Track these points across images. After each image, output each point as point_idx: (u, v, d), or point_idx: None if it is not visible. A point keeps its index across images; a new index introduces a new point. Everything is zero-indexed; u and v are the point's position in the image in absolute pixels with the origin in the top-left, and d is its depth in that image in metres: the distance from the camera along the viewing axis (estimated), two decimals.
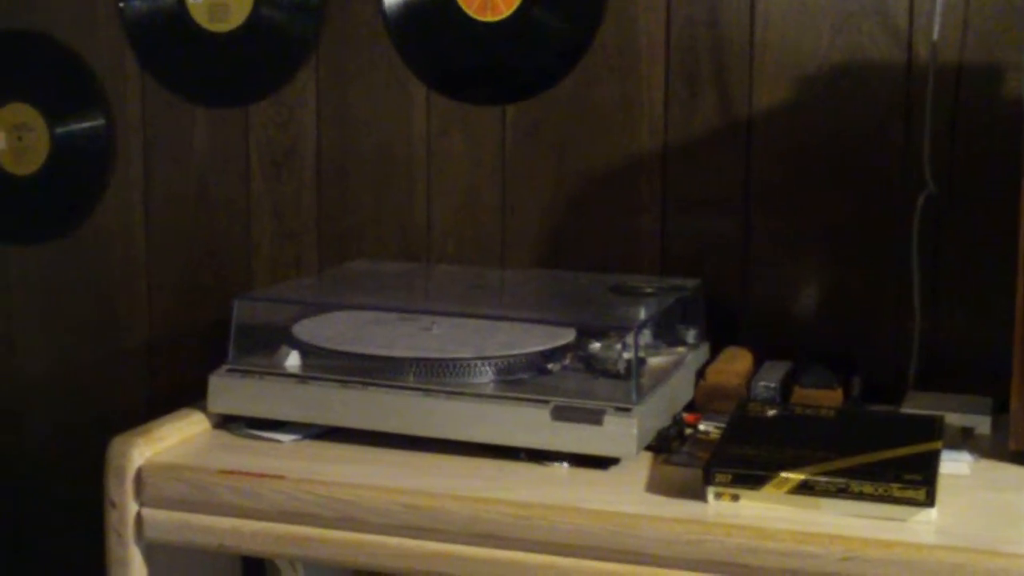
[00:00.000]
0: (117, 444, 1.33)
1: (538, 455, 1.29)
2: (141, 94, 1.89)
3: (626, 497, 1.21)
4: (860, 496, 1.15)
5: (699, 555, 1.13)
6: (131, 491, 1.31)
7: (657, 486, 1.24)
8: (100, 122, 1.92)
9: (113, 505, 1.32)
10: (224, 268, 1.87)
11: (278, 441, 1.38)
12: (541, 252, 1.72)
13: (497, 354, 1.36)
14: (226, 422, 1.42)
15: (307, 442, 1.38)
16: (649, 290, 1.51)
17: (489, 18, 1.71)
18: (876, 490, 1.14)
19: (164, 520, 1.31)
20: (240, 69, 1.84)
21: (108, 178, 1.92)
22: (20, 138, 1.97)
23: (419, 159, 1.77)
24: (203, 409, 1.43)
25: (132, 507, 1.32)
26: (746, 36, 1.61)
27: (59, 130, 1.95)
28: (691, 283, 1.57)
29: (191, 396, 1.46)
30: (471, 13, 1.72)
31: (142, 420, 1.40)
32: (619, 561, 1.16)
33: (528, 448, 1.29)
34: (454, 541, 1.21)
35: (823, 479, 1.16)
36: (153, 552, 1.34)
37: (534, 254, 1.72)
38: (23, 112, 1.96)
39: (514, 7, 1.70)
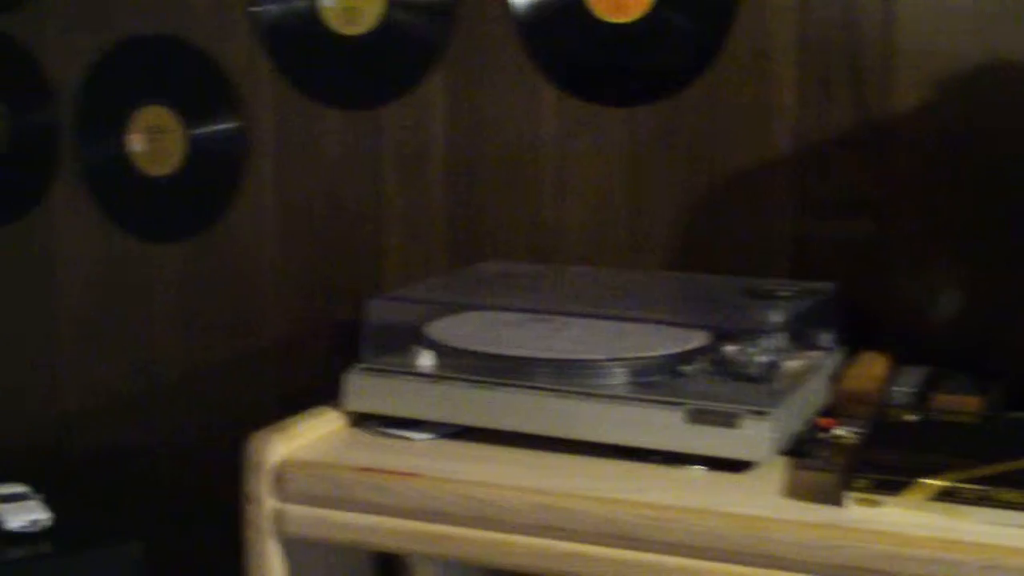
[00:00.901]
0: (256, 440, 1.35)
1: (672, 458, 1.29)
2: (274, 97, 1.92)
3: (761, 501, 1.20)
4: (1003, 504, 1.13)
5: (836, 560, 1.12)
6: (269, 487, 1.33)
7: (793, 491, 1.22)
8: (234, 124, 1.96)
9: (251, 500, 1.34)
10: (353, 268, 1.90)
11: (412, 440, 1.39)
12: (671, 255, 1.72)
13: (630, 356, 1.35)
14: (359, 420, 1.44)
15: (440, 441, 1.39)
16: (784, 293, 1.50)
17: (619, 19, 1.71)
18: (1020, 498, 1.12)
19: (302, 516, 1.32)
20: (372, 72, 1.86)
21: (241, 179, 1.96)
22: (157, 140, 2.01)
23: (548, 161, 1.77)
24: (337, 407, 1.45)
25: (270, 503, 1.34)
26: (882, 38, 1.59)
27: (194, 132, 1.99)
28: (826, 286, 1.55)
29: (321, 395, 1.48)
30: (601, 15, 1.72)
31: (273, 418, 1.42)
32: (755, 565, 1.15)
33: (662, 451, 1.29)
34: (588, 541, 1.21)
35: (965, 486, 1.14)
36: (290, 547, 1.36)
37: (664, 257, 1.72)
38: (159, 115, 2.01)
39: (644, 8, 1.70)
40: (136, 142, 2.02)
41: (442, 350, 1.42)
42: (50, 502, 1.57)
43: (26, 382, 2.14)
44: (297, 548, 1.37)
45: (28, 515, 1.53)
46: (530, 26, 1.76)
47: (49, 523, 1.53)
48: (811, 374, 1.41)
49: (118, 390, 2.07)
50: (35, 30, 2.07)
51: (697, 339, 1.40)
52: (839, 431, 1.37)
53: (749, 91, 1.66)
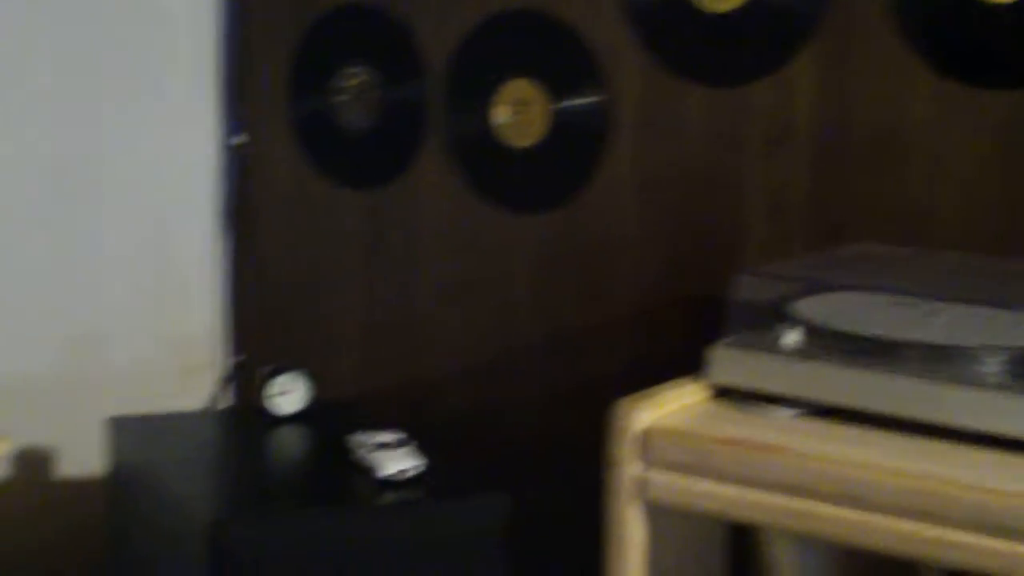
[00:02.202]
0: (622, 407, 1.39)
1: None
2: (638, 72, 1.95)
3: None
4: None
5: None
6: (634, 453, 1.37)
7: None
8: (597, 99, 2.00)
9: (614, 465, 1.38)
10: (710, 246, 1.91)
11: (775, 416, 1.40)
12: None
13: (1008, 344, 1.32)
14: (721, 394, 1.46)
15: (805, 419, 1.39)
16: None
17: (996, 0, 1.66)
18: None
19: (665, 483, 1.35)
20: (739, 49, 1.87)
21: (603, 153, 2.00)
22: (521, 112, 2.08)
23: (919, 143, 1.74)
24: (699, 380, 1.47)
25: (633, 468, 1.37)
26: None
27: (558, 105, 2.04)
28: None
29: (675, 368, 1.50)
30: None
31: (627, 388, 1.45)
32: None
33: None
34: (957, 528, 1.19)
35: None
36: (650, 513, 1.39)
37: None
38: (525, 88, 2.07)
39: None
40: (501, 115, 2.10)
41: (809, 329, 1.42)
42: (422, 451, 1.65)
43: (393, 338, 2.25)
44: (656, 514, 1.40)
45: (402, 463, 1.62)
46: (906, 5, 1.73)
47: (421, 471, 1.62)
48: None
49: (476, 352, 2.15)
50: (410, 6, 2.17)
51: None
52: None
53: None
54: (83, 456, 2.06)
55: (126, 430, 1.85)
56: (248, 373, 2.36)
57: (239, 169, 2.40)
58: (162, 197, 2.32)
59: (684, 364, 1.49)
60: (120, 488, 1.83)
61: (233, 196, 2.39)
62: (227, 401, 2.39)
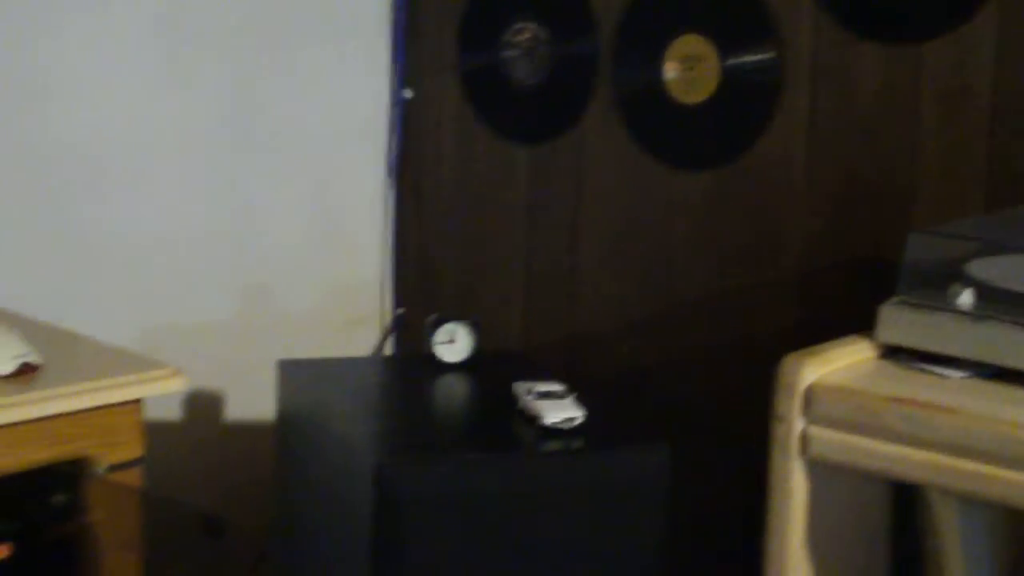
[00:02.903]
0: (789, 362, 1.38)
1: None
2: (812, 29, 1.93)
3: None
4: None
5: None
6: (799, 408, 1.37)
7: None
8: (769, 55, 1.98)
9: (780, 420, 1.38)
10: (881, 203, 1.88)
11: (946, 376, 1.38)
12: None
13: None
14: (890, 353, 1.44)
15: (976, 380, 1.37)
16: None
17: None
18: None
19: (830, 439, 1.35)
20: (918, 6, 1.83)
21: (774, 110, 1.98)
22: (691, 68, 2.07)
23: None
24: (868, 338, 1.45)
25: (799, 424, 1.37)
26: None
27: (729, 62, 2.03)
28: None
29: (841, 326, 1.49)
30: None
31: (792, 345, 1.44)
32: None
33: None
34: None
35: None
36: (813, 469, 1.39)
37: None
38: (696, 44, 2.06)
39: None
40: (671, 70, 2.09)
41: (983, 290, 1.40)
42: (584, 402, 1.66)
43: (556, 292, 2.27)
44: (820, 470, 1.39)
45: (564, 412, 1.63)
46: None
47: (582, 421, 1.63)
48: None
49: (639, 306, 2.16)
50: None
51: None
52: None
53: None
54: (254, 398, 2.12)
55: (295, 373, 1.90)
56: (411, 325, 2.40)
57: (408, 123, 2.43)
58: (333, 150, 2.36)
59: (851, 323, 1.48)
60: (288, 429, 1.88)
61: (401, 150, 2.43)
62: (390, 352, 2.44)
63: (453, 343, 1.91)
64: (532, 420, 1.65)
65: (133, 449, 1.48)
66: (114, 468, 1.45)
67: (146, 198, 2.11)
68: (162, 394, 1.48)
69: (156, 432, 1.56)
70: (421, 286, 2.45)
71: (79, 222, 2.04)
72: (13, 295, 1.75)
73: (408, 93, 2.42)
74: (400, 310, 2.45)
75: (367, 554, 1.55)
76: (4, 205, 1.95)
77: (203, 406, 2.21)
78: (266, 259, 2.28)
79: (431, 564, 1.55)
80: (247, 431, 2.23)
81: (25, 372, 1.45)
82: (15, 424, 1.39)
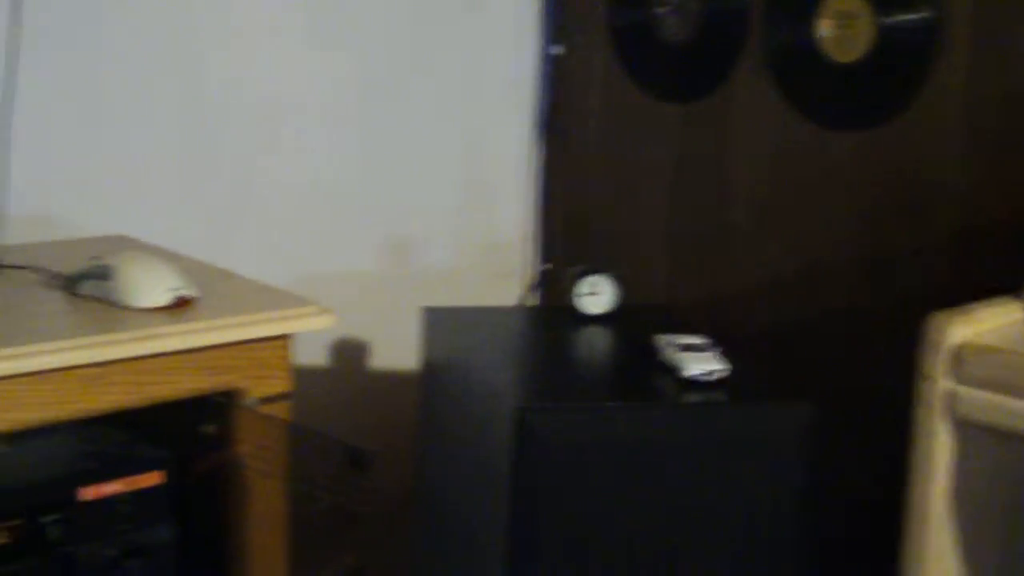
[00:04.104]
0: (936, 321, 1.37)
1: None
2: None
3: None
4: None
5: None
6: (946, 368, 1.35)
7: None
8: (927, 15, 1.94)
9: (926, 379, 1.37)
10: None
11: None
12: None
13: None
14: None
15: None
16: None
17: None
18: None
19: (977, 399, 1.33)
20: None
21: (929, 71, 1.94)
22: (845, 26, 2.04)
23: None
24: (1019, 299, 1.43)
25: (945, 383, 1.35)
26: None
27: (885, 20, 1.99)
28: None
29: (990, 287, 1.47)
30: None
31: (941, 305, 1.42)
32: None
33: None
34: None
35: None
36: (959, 429, 1.37)
37: None
38: (851, 1, 2.02)
39: None
40: (824, 28, 2.06)
41: None
42: (726, 356, 1.66)
43: (701, 248, 2.26)
44: (966, 431, 1.38)
45: (705, 365, 1.63)
46: None
47: (725, 374, 1.62)
48: None
49: (785, 265, 2.14)
50: None
51: None
52: None
53: None
54: (398, 346, 2.16)
55: (440, 321, 1.92)
56: (555, 281, 2.41)
57: (556, 80, 2.44)
58: (481, 107, 2.38)
59: (1003, 285, 1.45)
60: (432, 373, 1.91)
61: (549, 106, 2.44)
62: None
63: (596, 295, 1.92)
64: (673, 372, 1.65)
65: (282, 383, 1.51)
66: (263, 401, 1.49)
67: (302, 152, 2.17)
68: (311, 330, 1.51)
69: (303, 374, 1.60)
70: (567, 242, 2.46)
71: (241, 171, 2.10)
72: (175, 236, 1.81)
73: (557, 49, 2.42)
74: (546, 266, 2.47)
75: (506, 496, 1.57)
76: (172, 152, 2.02)
77: (349, 352, 2.26)
78: (414, 213, 2.32)
79: (567, 509, 1.56)
80: (391, 377, 2.27)
81: (181, 304, 1.49)
82: (169, 354, 1.43)
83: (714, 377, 1.62)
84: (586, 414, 1.58)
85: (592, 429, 1.57)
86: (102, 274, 1.52)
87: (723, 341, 1.72)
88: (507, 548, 1.57)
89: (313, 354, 2.18)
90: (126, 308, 1.48)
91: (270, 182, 2.13)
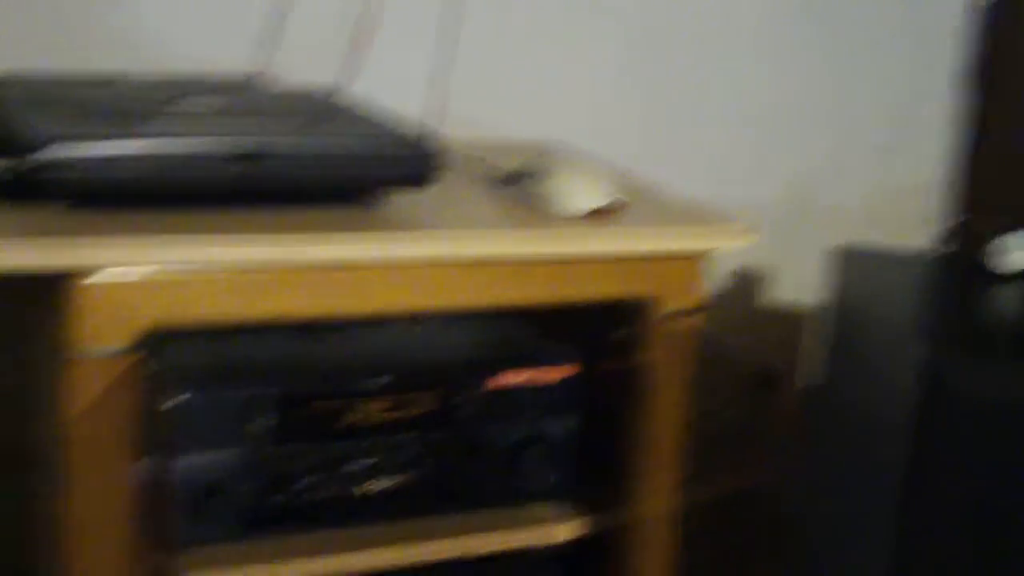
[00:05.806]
0: None
1: None
2: None
3: None
4: None
5: None
6: None
7: None
8: None
9: None
10: None
11: None
12: None
13: None
14: None
15: None
16: None
17: None
18: None
19: None
20: None
21: None
22: None
23: None
24: None
25: None
26: None
27: None
28: None
29: None
30: None
31: None
32: None
33: None
34: None
35: None
36: None
37: None
38: None
39: None
40: None
41: None
42: None
43: None
44: None
45: None
46: None
47: None
48: None
49: None
50: None
51: None
52: None
53: None
54: (799, 284, 2.14)
55: (853, 261, 1.89)
56: (974, 233, 2.32)
57: (988, 27, 2.34)
58: (903, 52, 2.32)
59: None
60: (838, 316, 1.88)
61: (979, 55, 2.35)
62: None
63: (1016, 252, 1.84)
64: None
65: (696, 297, 1.52)
66: (676, 314, 1.51)
67: (735, 77, 2.18)
68: (733, 247, 1.51)
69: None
70: (989, 196, 2.36)
71: (677, 91, 2.14)
72: (606, 146, 1.85)
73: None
74: (965, 216, 2.38)
75: (905, 443, 1.54)
76: (613, 69, 2.08)
77: (750, 283, 2.26)
78: (830, 150, 2.29)
79: (969, 467, 1.51)
80: (791, 313, 2.26)
81: (607, 212, 1.53)
82: (589, 259, 1.47)
83: None
84: (1001, 373, 1.52)
85: (1006, 389, 1.51)
86: (534, 176, 1.58)
87: None
88: (902, 496, 1.54)
89: (718, 278, 2.20)
90: (554, 211, 1.52)
91: (706, 103, 2.16)
